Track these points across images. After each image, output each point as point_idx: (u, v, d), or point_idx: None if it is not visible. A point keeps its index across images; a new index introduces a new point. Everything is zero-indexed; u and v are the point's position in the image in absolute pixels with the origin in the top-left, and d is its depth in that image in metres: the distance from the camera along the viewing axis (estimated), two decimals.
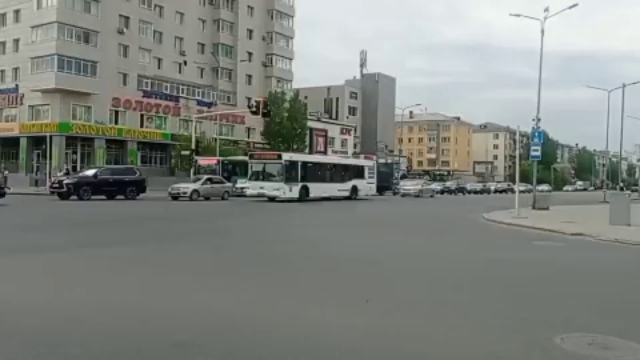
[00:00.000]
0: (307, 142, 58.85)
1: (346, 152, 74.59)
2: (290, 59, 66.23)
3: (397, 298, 6.70)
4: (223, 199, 31.64)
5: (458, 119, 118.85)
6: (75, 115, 46.11)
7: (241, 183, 33.58)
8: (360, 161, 44.17)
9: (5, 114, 49.59)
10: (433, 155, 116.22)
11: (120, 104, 48.56)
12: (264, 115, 34.69)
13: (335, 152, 71.01)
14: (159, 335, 4.90)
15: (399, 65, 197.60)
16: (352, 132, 77.39)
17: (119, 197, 27.59)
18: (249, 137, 58.93)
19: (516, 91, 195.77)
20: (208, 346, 4.62)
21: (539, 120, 28.69)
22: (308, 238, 13.81)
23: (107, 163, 47.87)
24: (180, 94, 53.94)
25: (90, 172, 28.19)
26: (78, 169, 46.26)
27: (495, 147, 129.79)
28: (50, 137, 39.76)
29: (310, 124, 60.34)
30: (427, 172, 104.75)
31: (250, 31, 61.64)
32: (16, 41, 48.43)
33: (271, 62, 63.61)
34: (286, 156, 30.51)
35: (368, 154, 79.91)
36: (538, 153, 26.15)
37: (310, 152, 60.91)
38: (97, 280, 7.37)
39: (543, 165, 74.99)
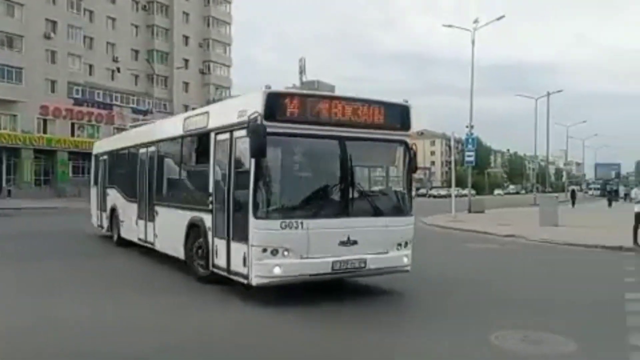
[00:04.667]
0: None
1: None
2: (229, 66, 65.52)
3: None
4: None
5: None
6: None
7: None
8: None
9: None
10: None
11: (48, 112, 46.16)
12: None
13: None
14: None
15: (336, 73, 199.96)
16: None
17: None
18: None
19: (452, 99, 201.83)
20: None
21: (472, 127, 29.60)
22: None
23: (35, 174, 45.82)
24: (114, 102, 52.05)
25: None
26: (4, 182, 43.75)
27: (432, 153, 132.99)
28: None
29: None
30: None
31: (187, 38, 60.50)
32: None
33: (209, 69, 62.67)
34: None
35: None
36: (472, 158, 27.26)
37: None
38: None
39: (477, 170, 77.85)
